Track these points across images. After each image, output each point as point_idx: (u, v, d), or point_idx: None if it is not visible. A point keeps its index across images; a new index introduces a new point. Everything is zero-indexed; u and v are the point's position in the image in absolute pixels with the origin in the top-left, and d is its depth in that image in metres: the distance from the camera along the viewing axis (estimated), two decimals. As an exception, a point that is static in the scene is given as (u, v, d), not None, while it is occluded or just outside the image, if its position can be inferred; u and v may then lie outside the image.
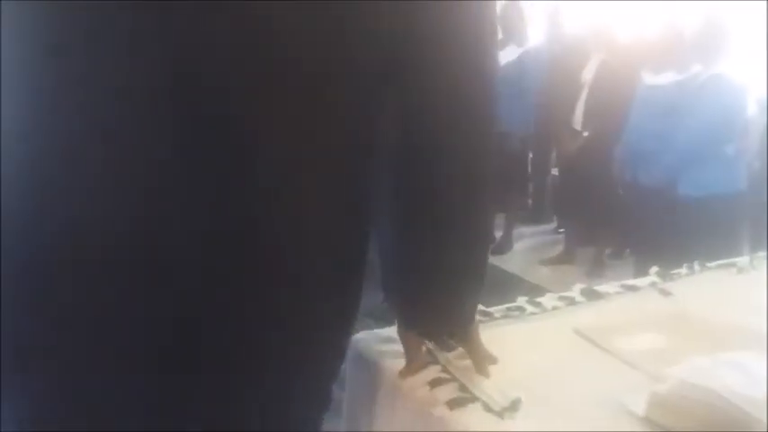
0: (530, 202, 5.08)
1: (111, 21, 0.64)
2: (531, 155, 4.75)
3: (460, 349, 0.99)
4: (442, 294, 0.89)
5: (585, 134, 3.85)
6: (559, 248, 4.41)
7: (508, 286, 3.84)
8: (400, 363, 0.98)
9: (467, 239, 0.87)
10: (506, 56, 4.23)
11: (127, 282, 0.69)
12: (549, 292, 1.30)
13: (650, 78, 3.22)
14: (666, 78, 3.09)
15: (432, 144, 0.80)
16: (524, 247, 4.63)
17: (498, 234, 4.59)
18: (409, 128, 0.80)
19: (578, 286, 1.30)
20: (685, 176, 2.68)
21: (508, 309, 1.19)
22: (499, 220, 4.62)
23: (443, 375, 0.95)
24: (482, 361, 0.96)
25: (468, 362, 0.97)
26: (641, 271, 3.06)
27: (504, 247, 4.52)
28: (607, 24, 3.86)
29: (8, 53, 0.65)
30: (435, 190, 0.83)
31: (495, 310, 1.17)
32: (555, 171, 4.79)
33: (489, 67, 0.82)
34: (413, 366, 0.95)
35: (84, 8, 0.63)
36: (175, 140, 0.68)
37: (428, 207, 0.84)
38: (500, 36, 4.32)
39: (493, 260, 4.31)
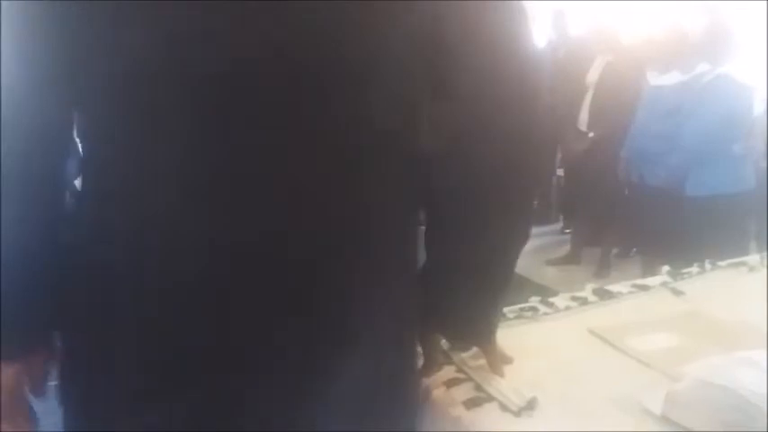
0: (535, 202, 5.09)
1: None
2: (536, 156, 4.74)
3: (475, 349, 0.99)
4: (470, 299, 0.88)
5: (591, 135, 3.85)
6: (566, 249, 4.41)
7: (515, 287, 3.82)
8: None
9: (496, 243, 0.86)
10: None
11: (202, 283, 0.72)
12: (556, 292, 1.30)
13: (655, 79, 3.22)
14: (672, 79, 3.09)
15: (461, 146, 0.79)
16: (530, 248, 4.56)
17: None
18: (442, 129, 0.79)
19: (590, 286, 1.30)
20: (693, 176, 2.68)
21: (521, 309, 1.19)
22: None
23: (459, 375, 0.96)
24: (497, 361, 0.96)
25: (482, 362, 0.98)
26: (649, 270, 3.06)
27: (509, 248, 4.51)
28: (612, 26, 3.86)
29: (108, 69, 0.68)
30: (467, 192, 0.81)
31: (509, 310, 1.18)
32: (560, 172, 4.79)
33: (526, 67, 0.79)
34: (430, 368, 0.96)
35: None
36: (237, 143, 0.70)
37: (460, 209, 0.82)
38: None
39: (499, 261, 4.33)
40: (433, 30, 0.73)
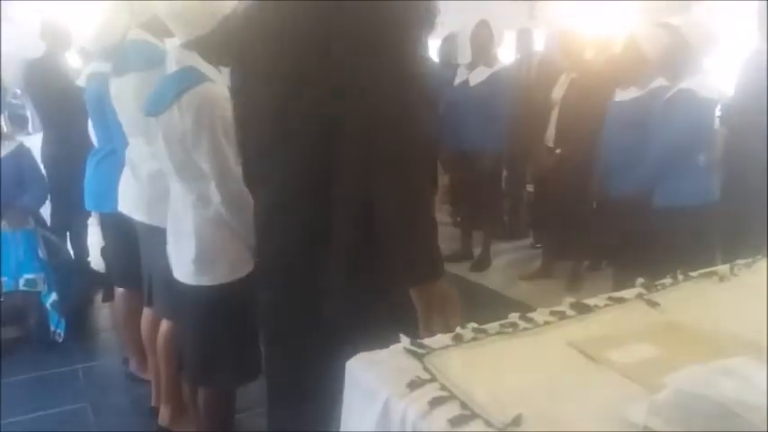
0: (506, 218, 5.13)
1: None
2: (505, 172, 4.81)
3: (459, 366, 0.99)
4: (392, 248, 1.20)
5: (558, 151, 3.91)
6: (537, 263, 4.45)
7: (489, 302, 3.86)
8: (394, 384, 0.98)
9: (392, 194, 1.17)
10: (476, 77, 4.29)
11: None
12: (530, 307, 1.31)
13: (617, 94, 3.30)
14: (630, 94, 3.17)
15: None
16: (503, 264, 4.66)
17: (477, 251, 4.62)
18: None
19: (568, 300, 1.31)
20: (660, 188, 2.73)
21: (501, 325, 1.19)
22: (477, 236, 4.66)
23: (443, 393, 0.95)
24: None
25: (468, 379, 0.98)
26: (620, 283, 3.10)
27: (483, 263, 4.55)
28: (576, 44, 3.93)
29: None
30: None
31: (490, 327, 1.18)
32: (530, 187, 4.84)
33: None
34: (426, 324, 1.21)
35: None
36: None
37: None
38: (470, 58, 4.39)
39: (473, 277, 4.37)
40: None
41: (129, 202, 2.31)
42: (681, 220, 2.64)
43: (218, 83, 1.77)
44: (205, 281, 1.87)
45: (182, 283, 1.91)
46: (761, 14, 3.48)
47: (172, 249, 1.95)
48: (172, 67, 1.82)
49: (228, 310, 1.91)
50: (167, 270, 1.99)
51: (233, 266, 1.88)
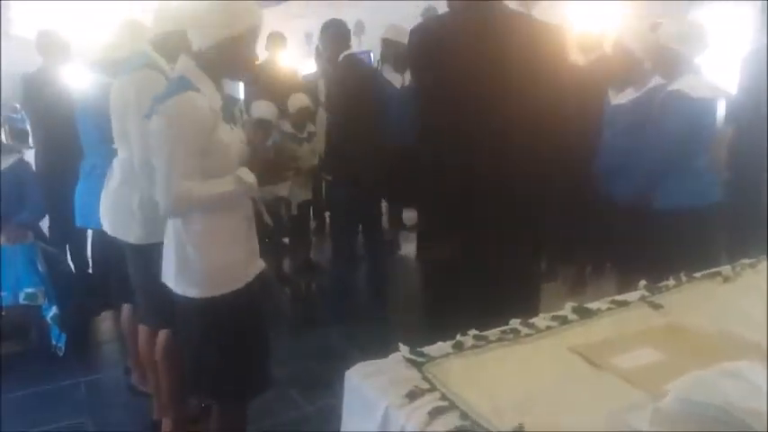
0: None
1: None
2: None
3: (459, 374, 0.97)
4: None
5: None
6: (542, 267, 4.42)
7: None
8: (393, 394, 0.96)
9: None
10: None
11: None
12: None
13: (615, 98, 3.27)
14: (627, 96, 3.14)
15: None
16: (505, 268, 4.62)
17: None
18: None
19: (570, 304, 1.29)
20: (660, 190, 2.70)
21: (503, 332, 1.17)
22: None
23: (442, 403, 0.93)
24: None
25: (468, 388, 0.96)
26: (624, 286, 3.07)
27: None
28: (571, 49, 3.91)
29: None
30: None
31: (490, 333, 1.16)
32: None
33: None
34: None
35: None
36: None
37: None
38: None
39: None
40: None
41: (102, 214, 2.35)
42: (681, 223, 2.61)
43: (206, 94, 1.74)
44: (190, 292, 1.81)
45: (171, 291, 1.85)
46: (762, 14, 3.46)
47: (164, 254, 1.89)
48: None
49: (214, 325, 1.83)
50: (152, 280, 1.95)
51: (208, 280, 1.76)
